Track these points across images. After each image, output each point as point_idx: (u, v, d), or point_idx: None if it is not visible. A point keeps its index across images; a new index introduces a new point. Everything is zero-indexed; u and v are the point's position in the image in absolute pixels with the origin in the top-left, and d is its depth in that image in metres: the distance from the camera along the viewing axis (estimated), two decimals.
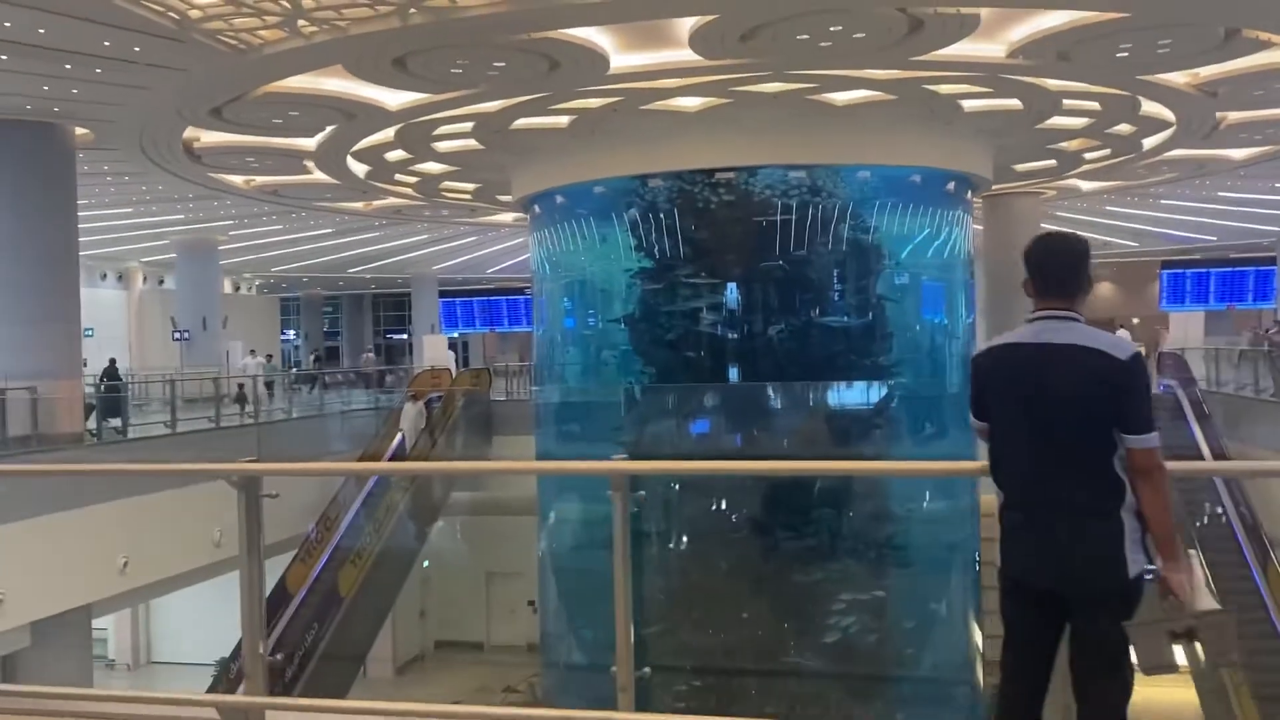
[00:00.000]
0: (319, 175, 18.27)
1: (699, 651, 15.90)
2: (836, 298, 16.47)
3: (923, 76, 12.59)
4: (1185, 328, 21.90)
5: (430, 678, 23.66)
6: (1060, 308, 3.24)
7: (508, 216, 24.98)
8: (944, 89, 13.24)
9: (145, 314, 32.95)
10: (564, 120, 14.60)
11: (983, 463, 3.47)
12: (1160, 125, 15.56)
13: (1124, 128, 15.85)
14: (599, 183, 16.79)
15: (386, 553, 18.88)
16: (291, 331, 47.35)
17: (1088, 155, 17.91)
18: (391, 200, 21.50)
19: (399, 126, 14.62)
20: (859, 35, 10.62)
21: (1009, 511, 3.28)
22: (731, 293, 16.28)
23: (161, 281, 33.66)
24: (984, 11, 10.21)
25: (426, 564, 23.11)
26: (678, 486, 16.36)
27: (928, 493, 16.81)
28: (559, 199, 17.50)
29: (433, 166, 17.93)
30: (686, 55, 11.50)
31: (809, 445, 15.96)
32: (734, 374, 16.36)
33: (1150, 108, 14.60)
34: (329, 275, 39.82)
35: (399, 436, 20.08)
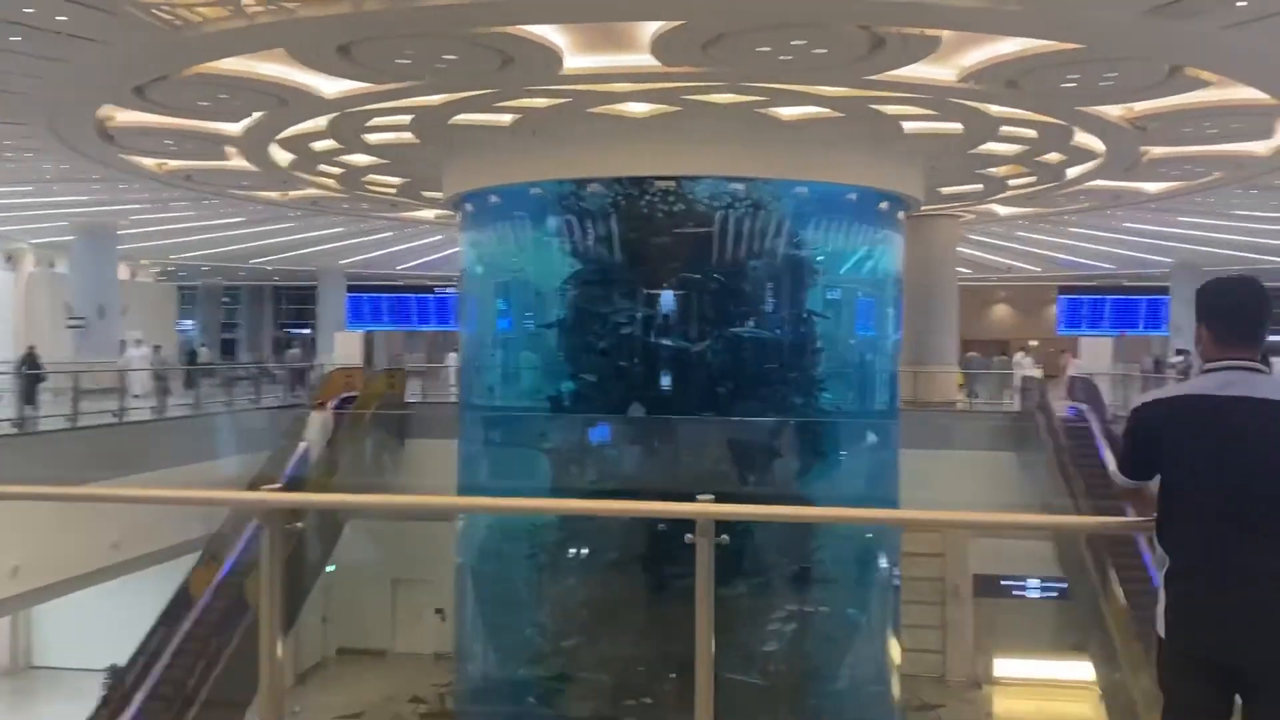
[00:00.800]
0: (239, 162, 17.51)
1: (619, 662, 15.74)
2: (770, 310, 16.46)
3: (872, 96, 12.63)
4: (1094, 353, 22.58)
5: (332, 686, 22.88)
6: (1245, 357, 3.01)
7: (429, 213, 24.41)
8: (890, 109, 13.32)
9: (34, 299, 31.23)
10: (507, 119, 14.26)
11: (1144, 519, 3.20)
12: (1088, 155, 15.97)
13: (1053, 156, 16.23)
14: (536, 184, 16.49)
15: (294, 558, 18.17)
16: (189, 321, 45.56)
17: (1014, 181, 18.29)
18: (310, 191, 20.77)
19: (333, 115, 14.08)
20: (820, 51, 10.57)
21: (1182, 580, 3.00)
22: (666, 301, 16.13)
23: (53, 265, 31.97)
24: (945, 34, 10.26)
25: (331, 569, 22.35)
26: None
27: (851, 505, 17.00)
28: (493, 198, 17.11)
29: (361, 158, 17.35)
30: (644, 60, 11.30)
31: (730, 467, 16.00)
32: (666, 383, 16.19)
33: (1082, 138, 14.96)
34: (231, 265, 38.45)
35: (301, 447, 19.14)
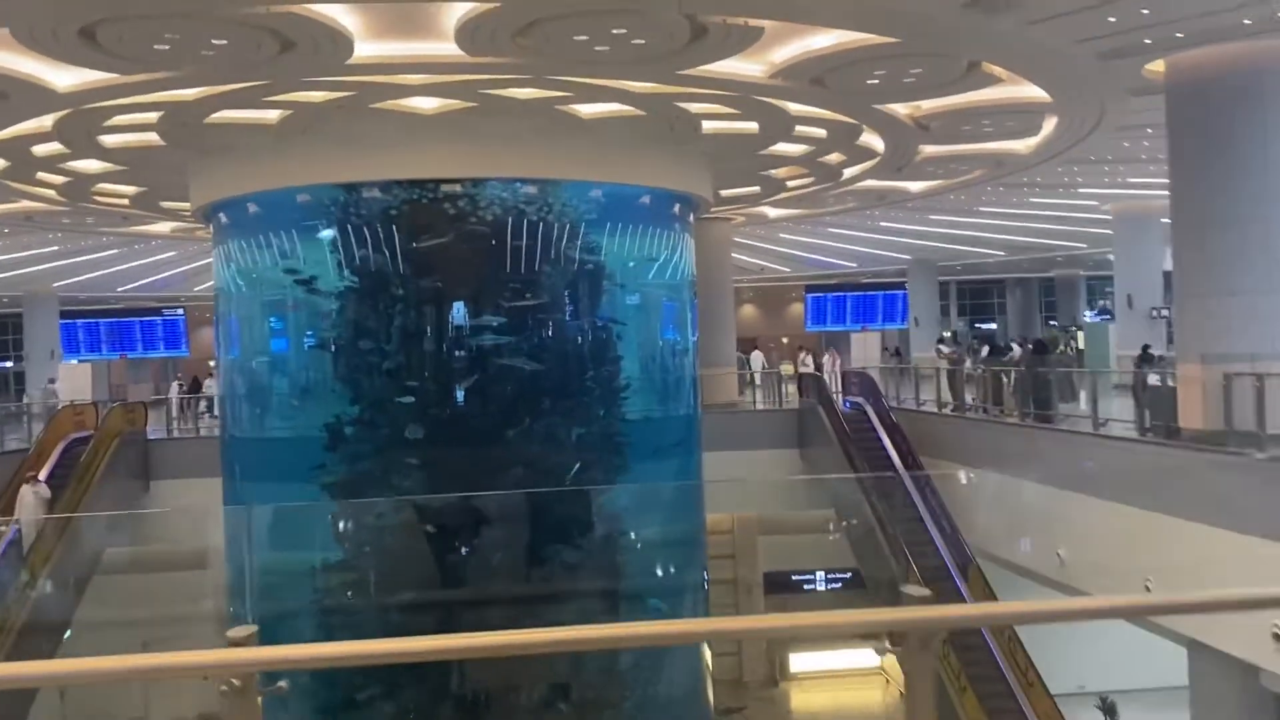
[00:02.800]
0: None
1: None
2: (568, 318, 15.71)
3: (678, 93, 12.16)
4: (865, 347, 23.35)
5: None
6: None
7: (164, 226, 21.94)
8: (693, 107, 12.92)
9: None
10: (274, 115, 12.73)
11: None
12: (868, 155, 16.29)
13: (835, 157, 16.45)
14: (302, 190, 14.95)
15: (30, 628, 15.64)
16: None
17: (791, 182, 18.48)
18: (24, 204, 18.03)
19: (63, 113, 12.04)
20: (639, 41, 9.94)
21: None
22: (458, 312, 15.04)
23: None
24: (768, 25, 9.89)
25: (68, 635, 19.53)
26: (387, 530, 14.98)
27: (657, 517, 16.57)
28: (252, 207, 15.40)
29: (91, 164, 15.13)
30: (445, 49, 10.26)
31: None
32: (460, 399, 15.10)
33: (867, 138, 15.19)
34: None
35: (11, 529, 16.23)
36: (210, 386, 25.16)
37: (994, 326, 52.54)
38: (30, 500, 16.04)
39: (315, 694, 15.01)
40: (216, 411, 22.27)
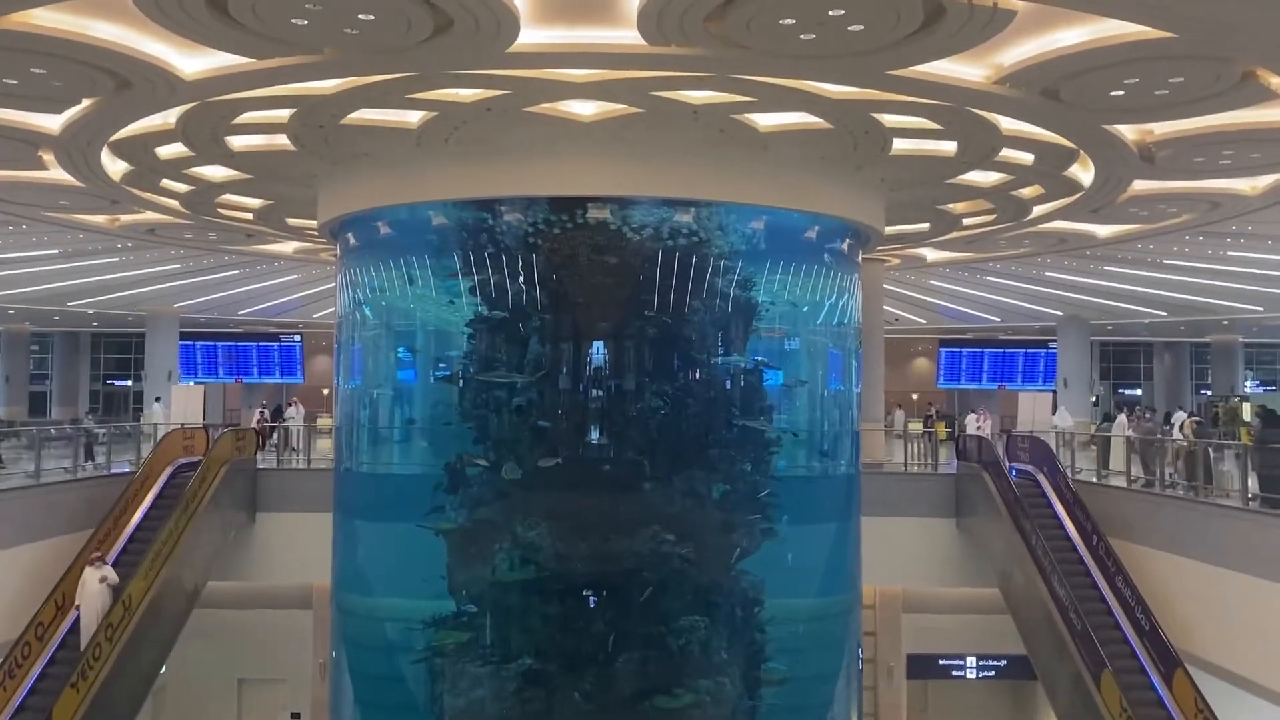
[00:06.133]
0: (57, 173, 13.97)
1: None
2: (718, 362, 14.03)
3: (877, 100, 10.43)
4: (1033, 408, 21.05)
5: None
6: None
7: (288, 247, 21.07)
8: (887, 120, 11.17)
9: None
10: (415, 117, 11.43)
11: None
12: (1069, 189, 14.28)
13: (1030, 190, 14.49)
14: (437, 208, 13.68)
15: (122, 667, 14.44)
16: None
17: (969, 220, 16.54)
18: (148, 214, 17.20)
19: (188, 107, 10.91)
20: (856, 27, 8.26)
21: None
22: (598, 351, 13.49)
23: None
24: (1019, 7, 8.10)
25: (163, 670, 18.45)
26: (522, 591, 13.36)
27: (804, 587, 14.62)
28: (383, 228, 14.22)
29: (216, 171, 14.10)
30: (620, 36, 8.75)
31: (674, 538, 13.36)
32: (595, 444, 13.52)
33: (1074, 169, 13.21)
34: (43, 308, 33.49)
35: (74, 614, 14.65)
36: (291, 416, 24.06)
37: (1139, 392, 49.12)
38: (95, 588, 14.38)
39: None
40: (295, 444, 21.16)
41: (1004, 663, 20.89)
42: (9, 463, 18.05)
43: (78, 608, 14.44)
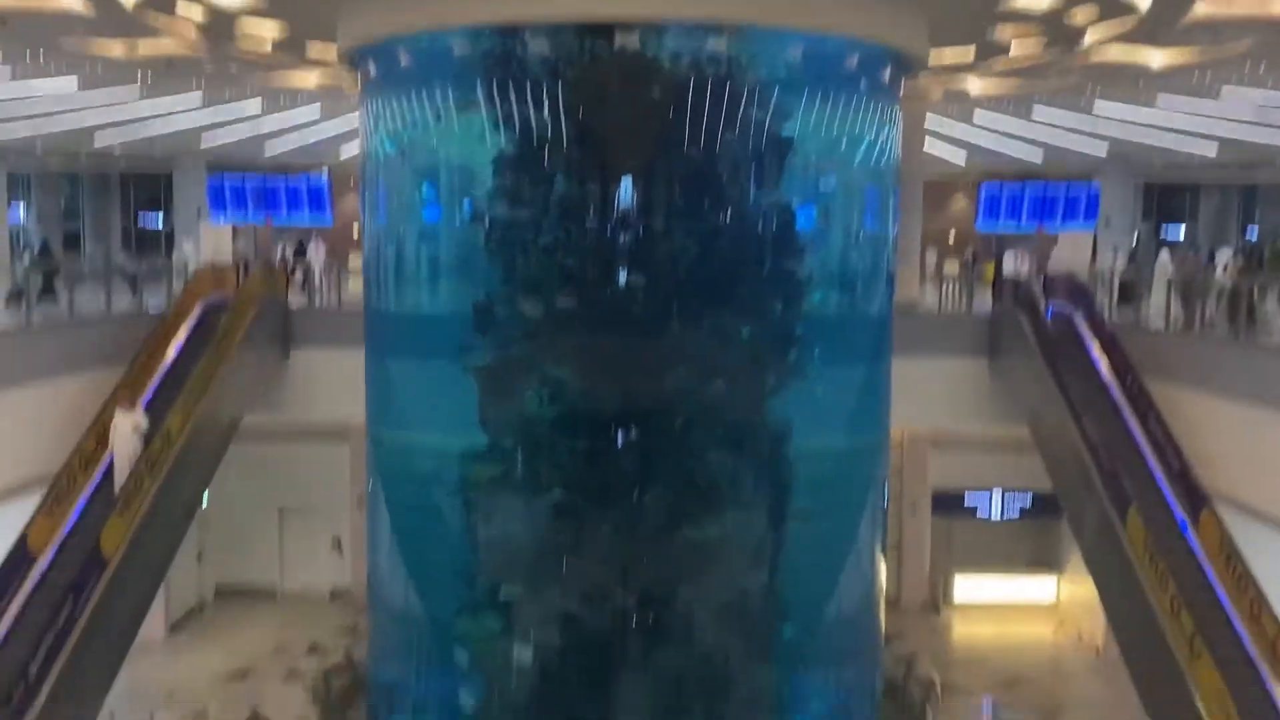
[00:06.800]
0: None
1: (569, 617, 13.22)
2: (750, 200, 13.66)
3: None
4: (1074, 249, 20.54)
5: (213, 635, 19.83)
6: None
7: (311, 77, 20.51)
8: None
9: None
10: None
11: None
12: (1125, 11, 13.47)
13: (1085, 13, 13.68)
14: (459, 35, 13.19)
15: (164, 497, 14.88)
16: (21, 210, 39.98)
17: (1017, 48, 15.73)
18: (164, 43, 16.71)
19: None
20: None
21: None
22: (626, 188, 13.15)
23: None
24: None
25: (205, 501, 19.07)
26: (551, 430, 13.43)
27: (833, 426, 14.59)
28: (404, 58, 13.75)
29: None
30: None
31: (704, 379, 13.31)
32: (623, 284, 13.33)
33: None
34: (69, 145, 33.19)
35: (108, 456, 14.76)
36: (313, 253, 24.05)
37: (1182, 231, 47.92)
38: (125, 431, 14.59)
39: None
40: (318, 282, 21.16)
41: (1029, 501, 21.15)
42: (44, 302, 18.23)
43: (110, 451, 14.80)
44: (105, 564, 13.63)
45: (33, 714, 12.04)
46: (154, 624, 18.81)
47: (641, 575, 13.19)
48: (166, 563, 15.63)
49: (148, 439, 14.72)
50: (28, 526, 13.74)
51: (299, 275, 21.97)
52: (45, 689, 12.29)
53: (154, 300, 19.36)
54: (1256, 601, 12.65)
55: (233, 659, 18.63)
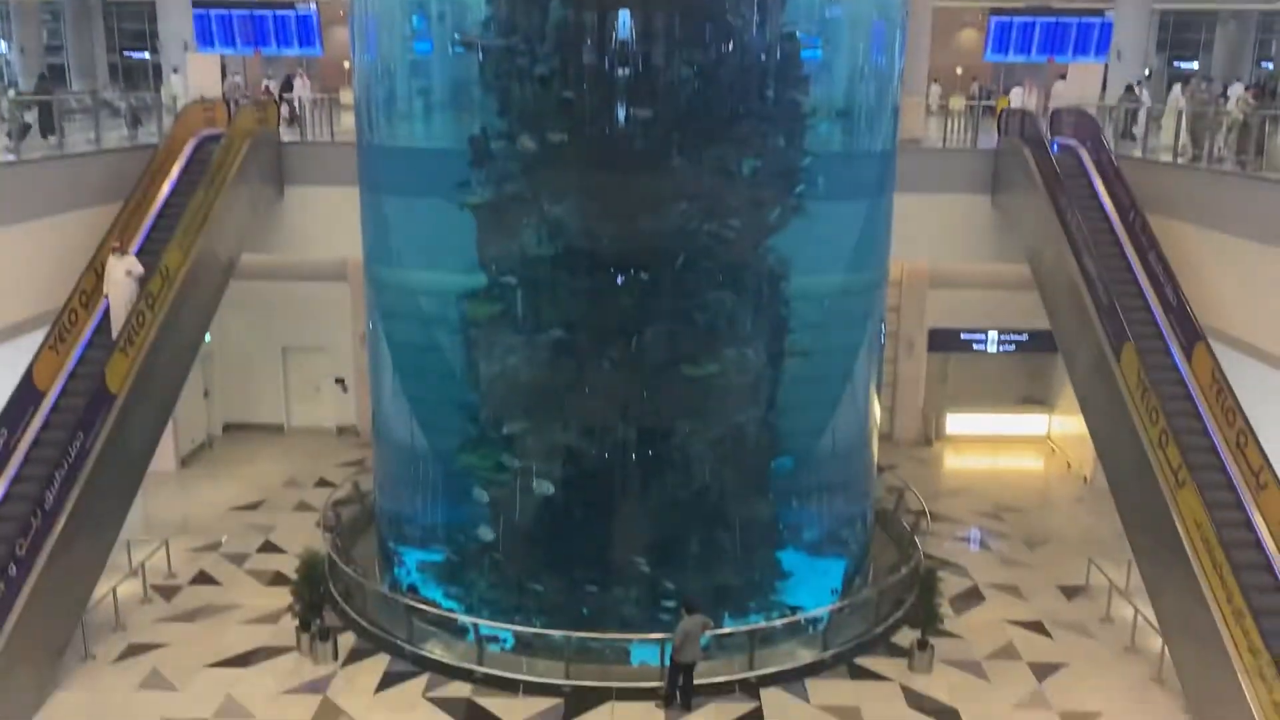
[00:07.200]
0: None
1: (570, 451, 13.51)
2: (753, 29, 13.21)
3: None
4: (1082, 82, 19.97)
5: (222, 470, 20.28)
6: None
7: None
8: None
9: None
10: None
11: None
12: None
13: None
14: None
15: (166, 333, 15.01)
16: (2, 42, 38.79)
17: None
18: None
19: None
20: None
21: None
22: (624, 16, 12.69)
23: None
24: None
25: (209, 338, 19.22)
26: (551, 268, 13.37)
27: (836, 266, 14.55)
28: None
29: None
30: None
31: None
32: (622, 118, 13.03)
33: None
34: None
35: (97, 313, 14.88)
36: (300, 89, 23.48)
37: (1195, 66, 46.68)
38: (119, 277, 14.68)
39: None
40: (307, 118, 20.66)
41: (1024, 337, 21.31)
42: (29, 134, 17.85)
43: (106, 297, 14.83)
44: (112, 399, 13.87)
45: (50, 541, 12.49)
46: (164, 458, 19.21)
47: (641, 411, 13.41)
48: (173, 398, 15.87)
49: (143, 281, 14.74)
50: (33, 363, 13.91)
51: (285, 111, 21.50)
52: (62, 519, 12.71)
53: (144, 136, 18.98)
54: (1244, 433, 12.92)
55: (243, 492, 19.12)
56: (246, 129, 18.12)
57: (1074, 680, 13.19)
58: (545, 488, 13.50)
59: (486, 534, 13.94)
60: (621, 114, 12.98)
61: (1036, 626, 14.56)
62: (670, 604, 13.26)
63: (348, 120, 19.93)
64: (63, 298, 14.79)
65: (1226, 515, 12.48)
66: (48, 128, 17.89)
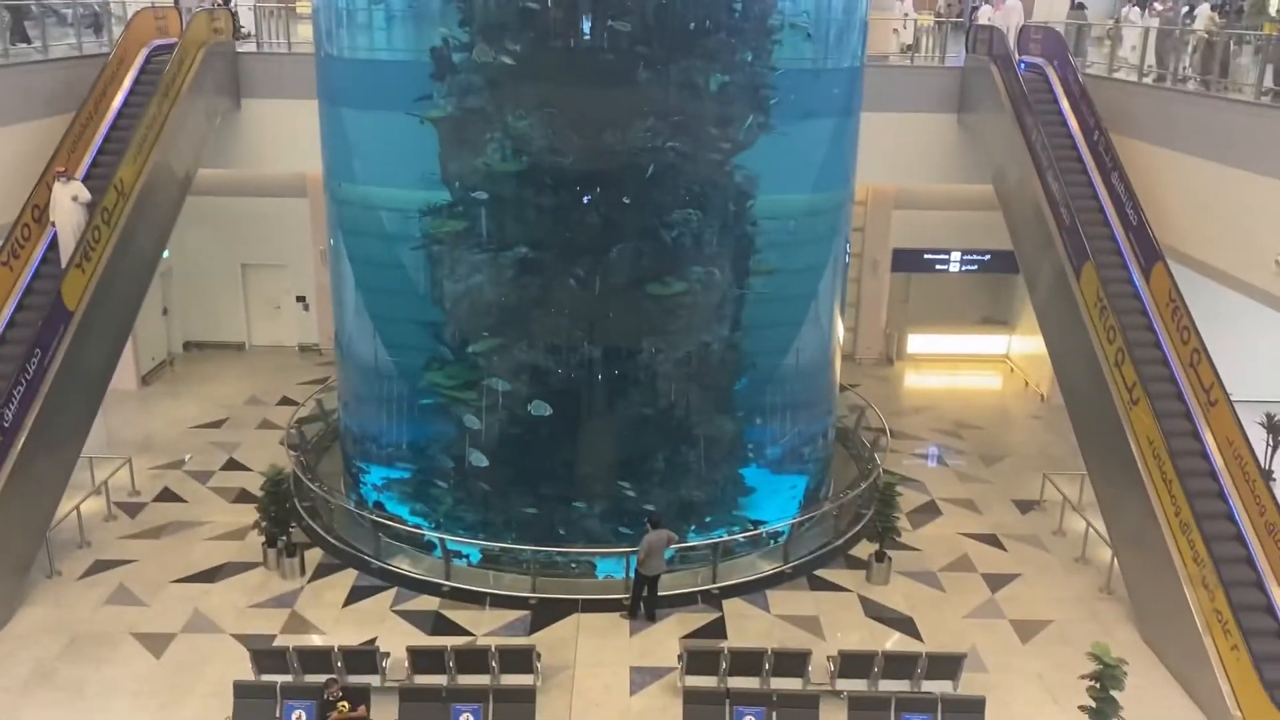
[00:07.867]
0: None
1: (536, 368, 13.53)
2: None
3: None
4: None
5: (184, 388, 20.12)
6: None
7: None
8: None
9: None
10: None
11: None
12: None
13: None
14: None
15: (122, 250, 14.74)
16: None
17: None
18: None
19: None
20: None
21: None
22: None
23: None
24: None
25: (167, 255, 18.88)
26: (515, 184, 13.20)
27: (802, 185, 14.50)
28: None
29: None
30: None
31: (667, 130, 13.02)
32: (587, 30, 12.79)
33: None
34: None
35: (50, 230, 14.52)
36: None
37: None
38: (66, 204, 14.26)
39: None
40: (242, 27, 19.97)
41: (987, 257, 21.48)
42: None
43: (53, 224, 14.48)
44: (70, 315, 13.67)
45: (10, 459, 12.40)
46: (125, 376, 19.04)
47: (607, 330, 13.41)
48: (132, 316, 15.65)
49: (92, 206, 14.39)
50: None
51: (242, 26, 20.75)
52: (22, 436, 12.60)
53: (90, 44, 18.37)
54: (1198, 352, 13.20)
55: (206, 410, 19.02)
56: (200, 38, 17.60)
57: (1026, 590, 13.60)
58: (541, 409, 13.49)
59: (449, 452, 13.99)
60: (586, 26, 12.73)
61: (991, 539, 14.95)
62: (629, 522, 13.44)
63: (304, 30, 19.40)
64: (14, 213, 14.45)
65: (1176, 426, 12.82)
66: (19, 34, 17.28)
